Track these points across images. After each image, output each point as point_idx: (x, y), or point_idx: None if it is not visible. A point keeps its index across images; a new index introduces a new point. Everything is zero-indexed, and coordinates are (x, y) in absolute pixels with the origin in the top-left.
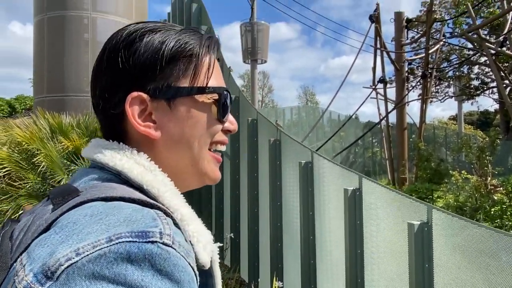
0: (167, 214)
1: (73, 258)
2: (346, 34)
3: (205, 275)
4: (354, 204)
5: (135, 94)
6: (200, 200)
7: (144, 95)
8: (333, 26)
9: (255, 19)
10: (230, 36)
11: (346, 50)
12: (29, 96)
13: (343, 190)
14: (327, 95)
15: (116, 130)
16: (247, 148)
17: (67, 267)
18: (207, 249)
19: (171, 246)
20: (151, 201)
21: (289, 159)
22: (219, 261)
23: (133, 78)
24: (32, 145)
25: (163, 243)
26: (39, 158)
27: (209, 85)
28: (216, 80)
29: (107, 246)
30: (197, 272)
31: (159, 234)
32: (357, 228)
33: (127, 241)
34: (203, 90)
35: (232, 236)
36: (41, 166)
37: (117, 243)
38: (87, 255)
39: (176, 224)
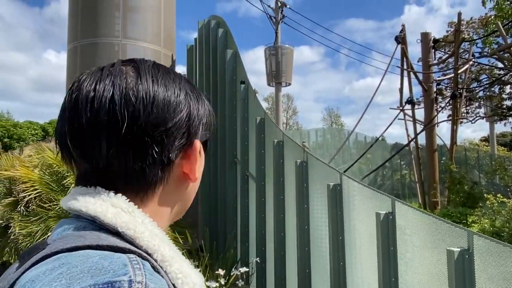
0: (142, 257)
1: None
2: (370, 56)
3: None
4: (387, 228)
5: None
6: (225, 223)
7: None
8: (357, 48)
9: (279, 43)
10: (254, 60)
11: (370, 72)
12: None
13: (375, 214)
14: (352, 117)
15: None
16: (273, 170)
17: None
18: None
19: None
20: (123, 245)
21: (316, 181)
22: None
23: None
24: (62, 167)
25: None
26: (68, 180)
27: None
28: None
29: None
30: None
31: (128, 283)
32: (391, 254)
33: None
34: None
35: (258, 261)
36: (71, 188)
37: None
38: None
39: (154, 267)
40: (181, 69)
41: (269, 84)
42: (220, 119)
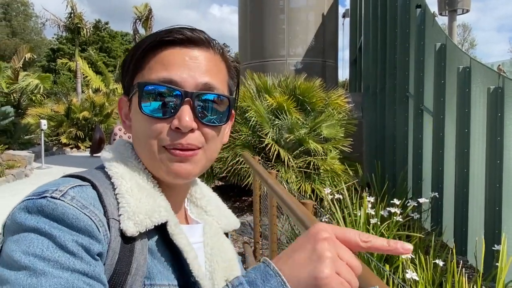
0: (94, 186)
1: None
2: None
3: (133, 241)
4: None
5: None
6: (394, 159)
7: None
8: None
9: None
10: None
11: None
12: None
13: None
14: None
15: None
16: (456, 101)
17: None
18: (133, 219)
19: (58, 199)
20: (85, 176)
21: None
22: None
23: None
24: (244, 103)
25: (51, 197)
26: (249, 114)
27: (141, 80)
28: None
29: (19, 203)
30: (99, 224)
31: (51, 192)
32: None
33: (28, 199)
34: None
35: (437, 196)
36: (252, 120)
37: (23, 201)
38: (14, 208)
39: (99, 195)
40: (342, 7)
41: (440, 14)
42: (390, 51)
